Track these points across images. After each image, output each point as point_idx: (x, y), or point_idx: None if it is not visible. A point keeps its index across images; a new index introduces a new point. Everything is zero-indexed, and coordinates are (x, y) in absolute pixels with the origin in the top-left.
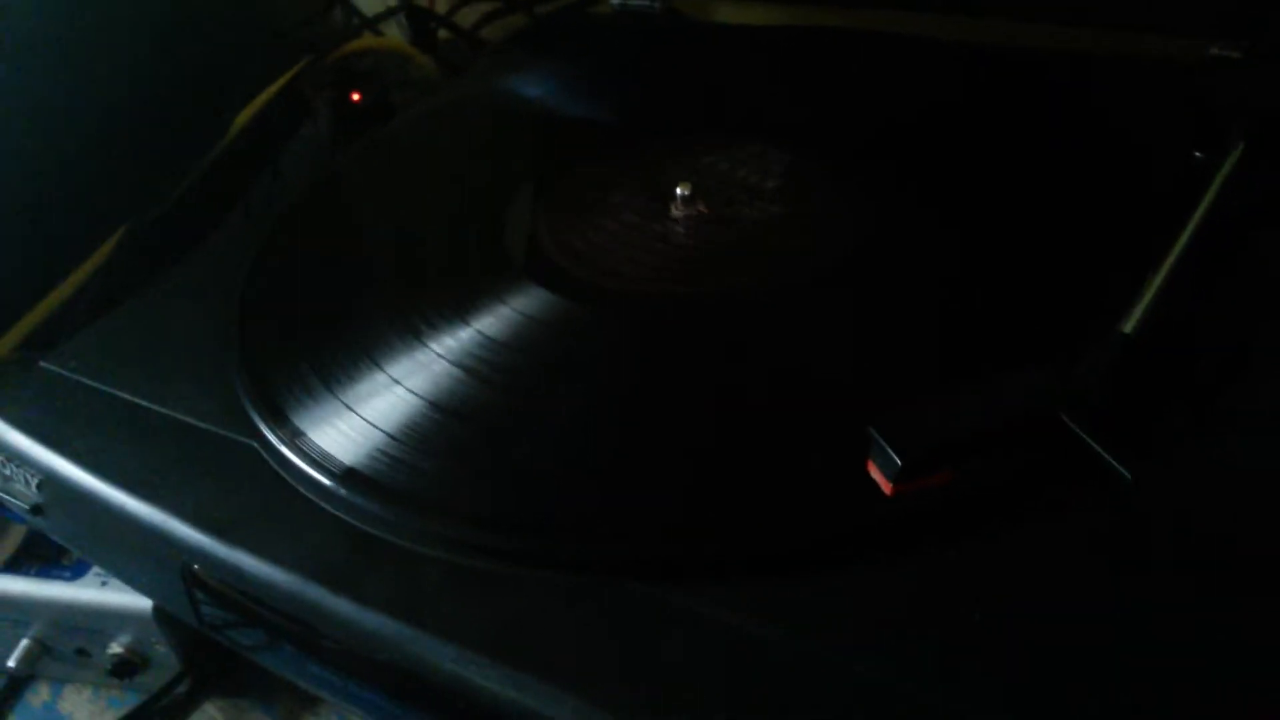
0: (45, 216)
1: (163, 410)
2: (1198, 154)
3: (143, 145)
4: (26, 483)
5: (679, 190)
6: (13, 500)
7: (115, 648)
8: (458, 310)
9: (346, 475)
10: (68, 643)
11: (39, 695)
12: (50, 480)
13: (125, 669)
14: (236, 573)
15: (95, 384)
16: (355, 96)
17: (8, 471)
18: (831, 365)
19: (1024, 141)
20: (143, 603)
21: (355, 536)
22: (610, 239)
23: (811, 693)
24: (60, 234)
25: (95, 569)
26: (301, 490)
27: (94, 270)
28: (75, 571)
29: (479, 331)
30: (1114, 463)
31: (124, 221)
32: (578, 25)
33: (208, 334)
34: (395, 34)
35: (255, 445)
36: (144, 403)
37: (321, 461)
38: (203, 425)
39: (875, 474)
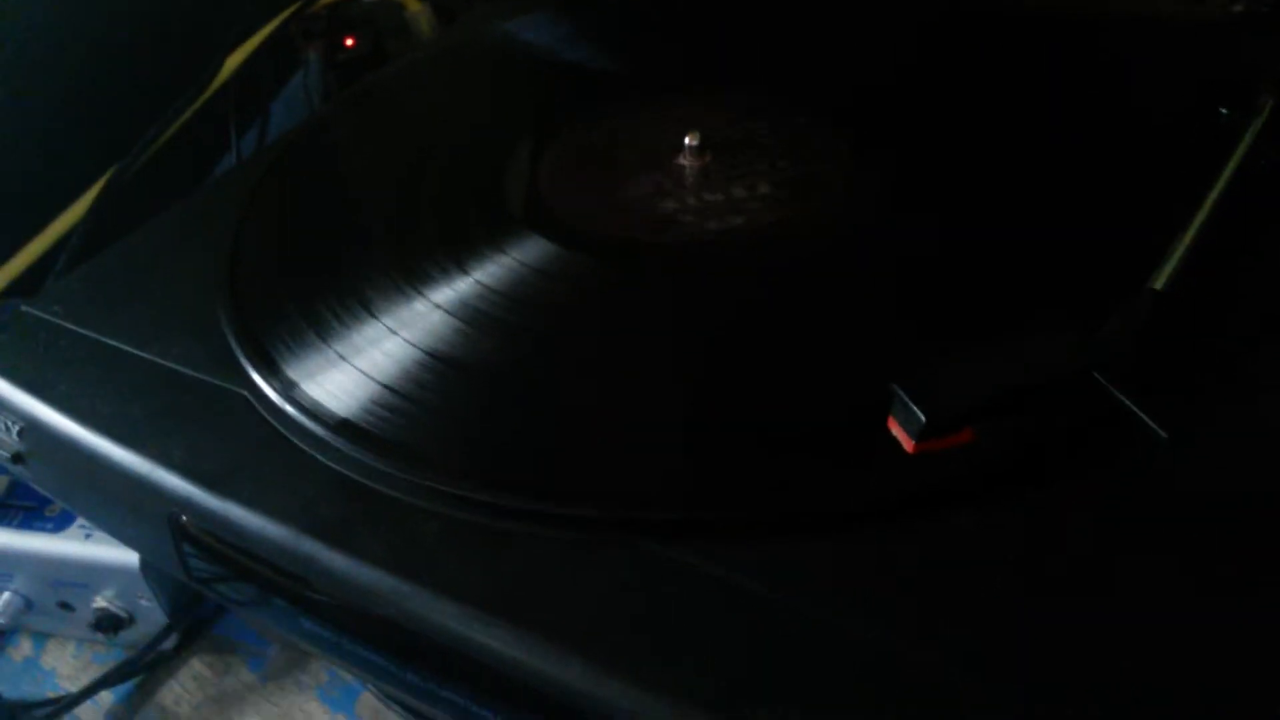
0: (29, 160)
1: (149, 357)
2: (1223, 110)
3: (129, 89)
4: (7, 430)
5: (687, 141)
6: None
7: (100, 602)
8: (456, 259)
9: (341, 426)
10: (50, 596)
11: (21, 650)
12: (32, 427)
13: (110, 624)
14: (226, 525)
15: (80, 329)
16: (349, 42)
17: None
18: (845, 322)
19: (1047, 100)
20: (128, 556)
21: (351, 489)
22: (614, 189)
23: (826, 658)
24: (44, 178)
25: (79, 521)
26: (295, 441)
27: (79, 215)
28: (58, 523)
29: (478, 281)
30: (1148, 421)
31: (109, 166)
32: None
33: (196, 280)
34: None
35: (245, 394)
36: (130, 349)
37: (315, 412)
38: (191, 373)
39: (897, 431)
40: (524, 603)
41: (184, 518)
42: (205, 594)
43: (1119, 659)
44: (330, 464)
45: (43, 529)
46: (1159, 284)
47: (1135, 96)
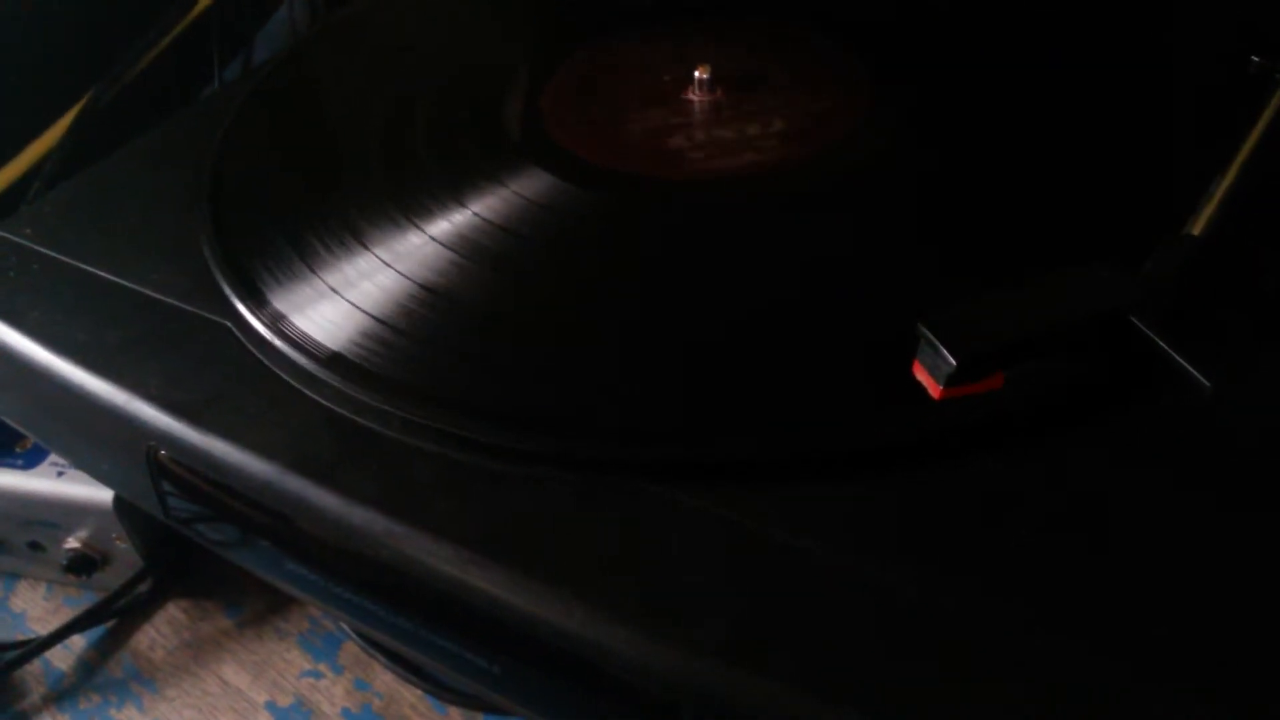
0: (4, 84)
1: (127, 284)
2: (1255, 59)
3: (110, 9)
4: None
5: (697, 74)
6: None
7: (72, 542)
8: (453, 191)
9: (332, 360)
10: (20, 536)
11: None
12: (2, 356)
13: (82, 565)
14: (207, 460)
15: (54, 254)
16: None
17: None
18: (863, 263)
19: (1078, 40)
20: (102, 494)
21: (341, 426)
22: (619, 122)
23: (843, 605)
24: (18, 102)
25: (52, 457)
26: (281, 375)
27: (54, 141)
28: (29, 459)
29: (475, 214)
30: (1191, 370)
31: (87, 90)
32: None
33: (177, 205)
34: None
35: (229, 325)
36: (106, 275)
37: (304, 344)
38: (171, 301)
39: (922, 376)
40: (525, 547)
41: (162, 452)
42: (183, 534)
43: (1152, 606)
44: (319, 399)
45: (13, 465)
46: (1196, 230)
47: (1161, 44)
